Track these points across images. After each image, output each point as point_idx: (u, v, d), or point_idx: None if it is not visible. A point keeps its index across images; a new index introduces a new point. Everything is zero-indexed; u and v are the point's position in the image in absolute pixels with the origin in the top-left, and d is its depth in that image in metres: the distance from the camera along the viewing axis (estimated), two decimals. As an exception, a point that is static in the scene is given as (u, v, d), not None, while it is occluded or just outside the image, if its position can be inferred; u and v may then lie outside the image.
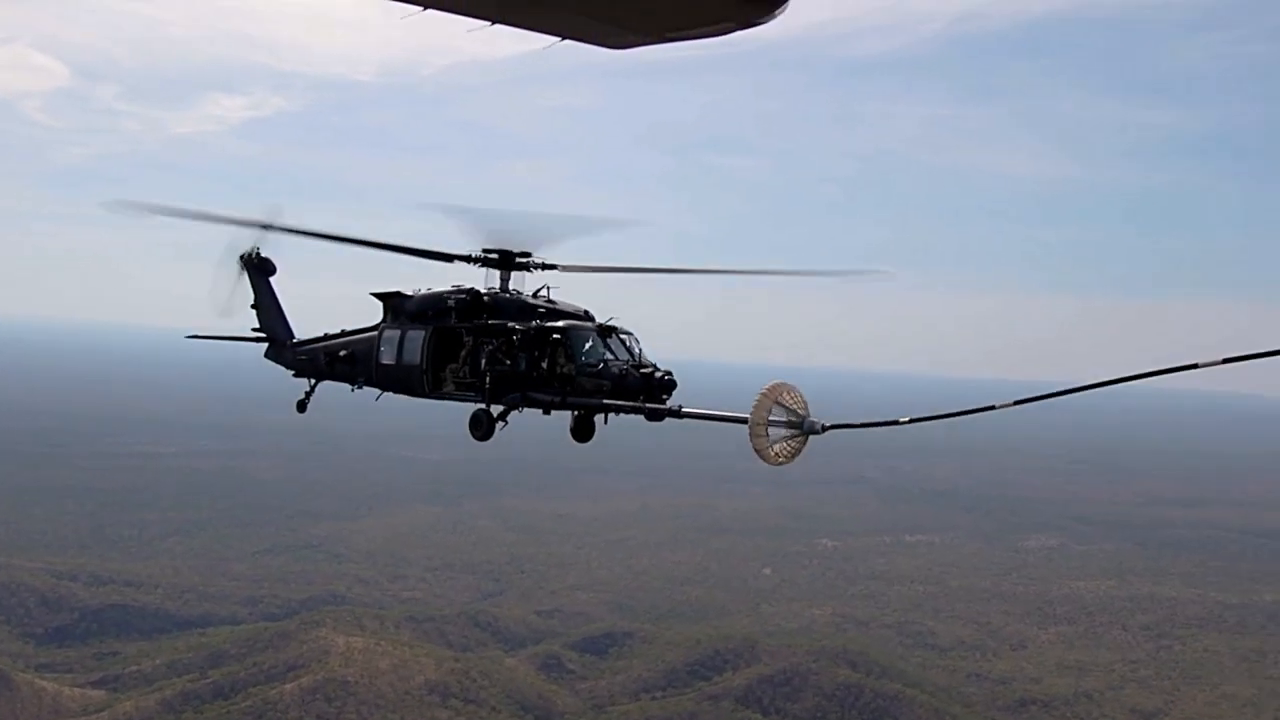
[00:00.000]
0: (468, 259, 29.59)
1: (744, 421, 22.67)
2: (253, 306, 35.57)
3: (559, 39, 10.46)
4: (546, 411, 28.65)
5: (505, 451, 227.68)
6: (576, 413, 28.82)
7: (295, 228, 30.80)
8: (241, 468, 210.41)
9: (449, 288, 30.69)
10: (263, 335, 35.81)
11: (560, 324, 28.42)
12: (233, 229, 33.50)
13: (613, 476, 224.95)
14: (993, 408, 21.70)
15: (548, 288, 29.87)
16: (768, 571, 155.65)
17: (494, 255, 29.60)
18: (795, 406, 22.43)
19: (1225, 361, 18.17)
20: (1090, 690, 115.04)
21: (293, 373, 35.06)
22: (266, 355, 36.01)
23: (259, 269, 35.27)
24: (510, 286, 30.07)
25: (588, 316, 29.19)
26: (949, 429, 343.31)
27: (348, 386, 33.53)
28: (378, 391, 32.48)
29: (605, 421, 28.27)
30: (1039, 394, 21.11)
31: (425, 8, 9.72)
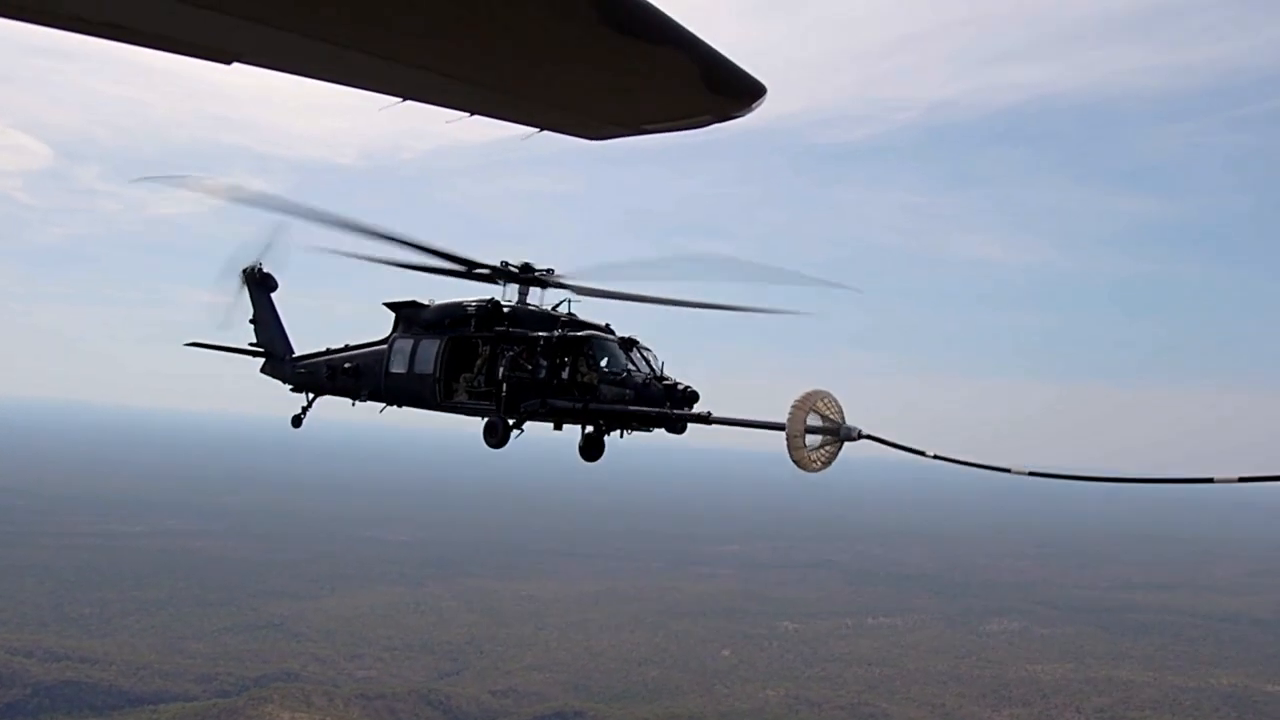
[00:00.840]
0: (489, 269, 29.73)
1: (780, 428, 22.97)
2: (251, 321, 36.10)
3: (537, 129, 10.60)
4: (558, 427, 29.56)
5: (471, 533, 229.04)
6: (587, 429, 29.66)
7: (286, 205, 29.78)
8: (206, 548, 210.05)
9: (467, 298, 31.13)
10: (260, 350, 36.17)
11: (584, 332, 28.96)
12: (239, 241, 34.92)
13: (577, 559, 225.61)
14: (1009, 470, 22.17)
15: (569, 302, 30.28)
16: (726, 653, 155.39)
17: (514, 269, 29.91)
18: (831, 414, 22.87)
19: (1241, 480, 18.40)
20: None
21: (290, 387, 35.43)
22: (263, 370, 36.32)
23: (260, 284, 35.94)
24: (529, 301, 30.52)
25: (608, 330, 29.58)
26: (921, 513, 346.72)
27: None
28: (378, 407, 32.84)
29: (622, 436, 28.97)
30: (1052, 471, 21.78)
31: (404, 99, 9.88)
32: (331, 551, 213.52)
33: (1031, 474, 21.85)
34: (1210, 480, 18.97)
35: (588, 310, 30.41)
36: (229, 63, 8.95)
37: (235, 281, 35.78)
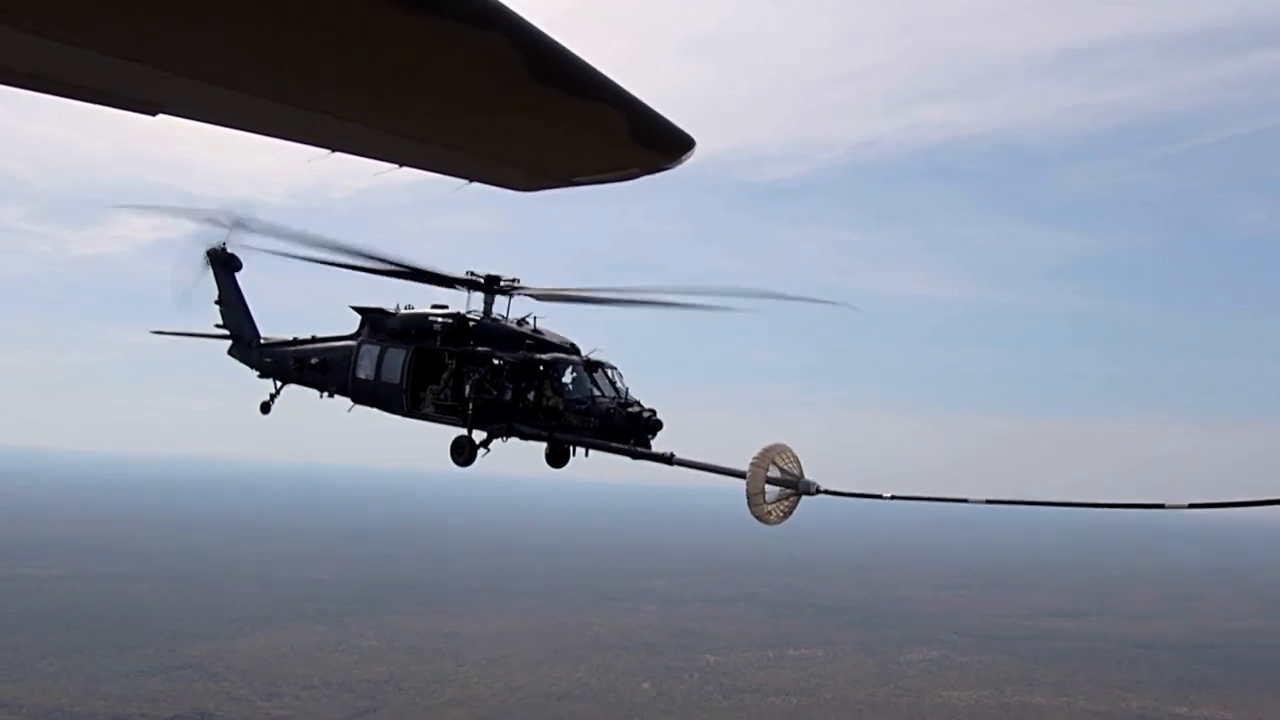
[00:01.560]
0: (452, 281, 29.95)
1: (741, 475, 23.84)
2: (217, 303, 35.91)
3: (466, 181, 10.67)
4: (524, 437, 29.55)
5: (394, 570, 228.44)
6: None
7: (278, 232, 29.99)
8: (124, 590, 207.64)
9: (432, 309, 31.31)
10: (226, 333, 35.98)
11: (547, 356, 29.15)
12: (203, 223, 34.06)
13: (501, 595, 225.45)
14: (966, 500, 23.36)
15: (534, 316, 30.47)
16: (646, 686, 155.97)
17: (479, 279, 30.03)
18: (789, 468, 23.68)
19: (1191, 506, 19.53)
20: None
21: (258, 373, 35.24)
22: (230, 353, 36.14)
23: (225, 265, 35.60)
24: (494, 312, 30.66)
25: (574, 349, 30.00)
26: (845, 545, 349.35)
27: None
28: (349, 403, 32.64)
29: (587, 454, 28.93)
30: (1008, 499, 22.79)
31: (333, 151, 9.88)
32: (252, 592, 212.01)
33: (989, 502, 23.01)
34: (1161, 506, 19.94)
35: (553, 313, 30.75)
36: (154, 114, 8.99)
37: (199, 262, 35.33)
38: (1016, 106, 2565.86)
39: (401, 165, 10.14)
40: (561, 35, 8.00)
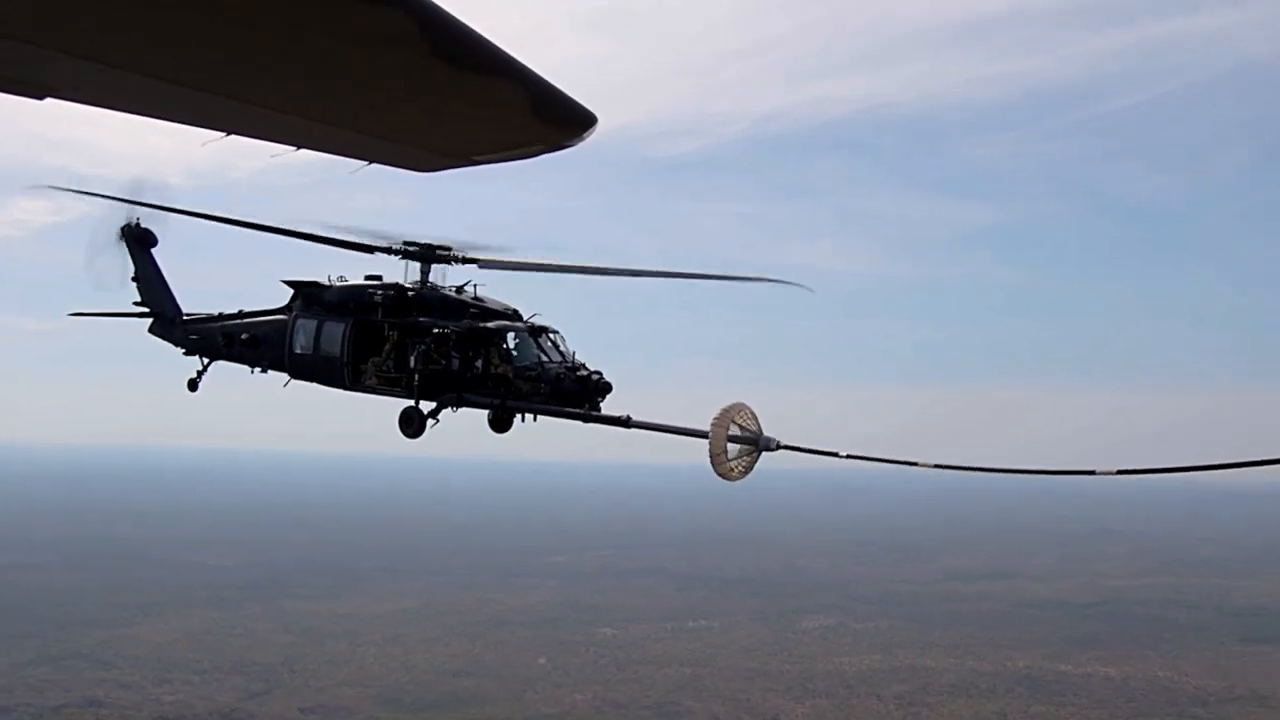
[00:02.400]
0: (388, 251, 29.18)
1: (702, 435, 23.92)
2: (134, 280, 34.82)
3: (366, 163, 10.54)
4: (474, 405, 29.03)
5: (296, 554, 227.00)
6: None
7: (198, 211, 29.48)
8: (16, 580, 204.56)
9: (369, 281, 30.65)
10: (146, 310, 34.97)
11: (493, 325, 28.78)
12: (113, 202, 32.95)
13: (401, 575, 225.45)
14: (915, 464, 23.63)
15: (474, 284, 29.93)
16: (542, 661, 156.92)
17: (414, 248, 29.34)
18: (749, 425, 23.89)
19: (1120, 473, 19.93)
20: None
21: (183, 351, 34.25)
22: (151, 330, 35.04)
23: (140, 241, 34.58)
24: (430, 281, 29.96)
25: (516, 315, 29.54)
26: (753, 517, 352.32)
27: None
28: (285, 377, 31.89)
29: (535, 419, 28.48)
30: (954, 464, 23.45)
31: (228, 134, 9.68)
32: (150, 578, 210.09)
33: (936, 466, 23.51)
34: (1092, 473, 20.40)
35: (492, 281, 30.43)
36: (41, 98, 8.71)
37: (111, 240, 34.56)
38: (920, 79, 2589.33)
39: (299, 147, 10.05)
40: (457, 9, 7.87)
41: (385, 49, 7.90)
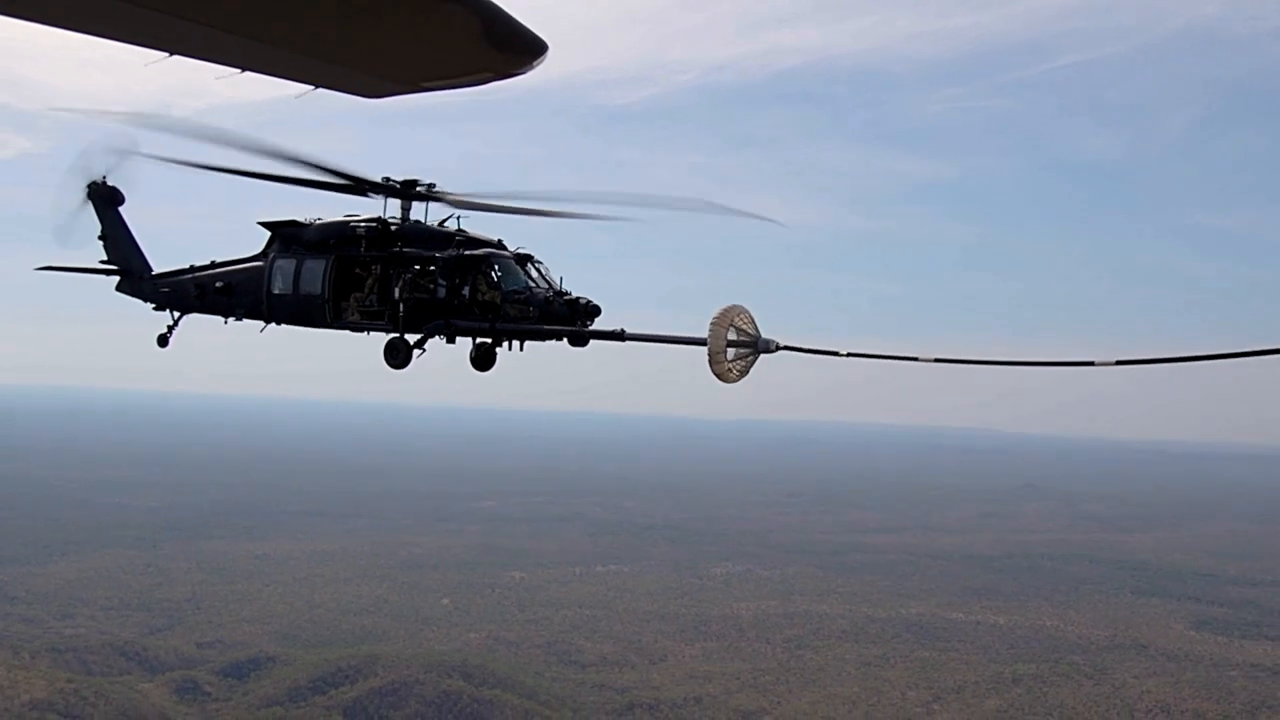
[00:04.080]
0: (369, 186, 28.84)
1: (700, 343, 23.70)
2: (101, 238, 34.31)
3: (312, 87, 10.37)
4: (451, 340, 28.97)
5: (222, 496, 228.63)
6: (478, 341, 29.20)
7: (160, 155, 28.33)
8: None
9: (349, 216, 30.16)
10: (114, 268, 34.57)
11: (480, 251, 28.57)
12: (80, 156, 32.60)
13: (326, 518, 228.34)
14: (916, 359, 23.35)
15: (458, 217, 29.58)
16: (446, 602, 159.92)
17: (395, 184, 29.09)
18: (747, 328, 23.73)
19: (1119, 363, 20.05)
20: (703, 695, 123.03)
21: (153, 306, 33.83)
22: (119, 289, 34.59)
23: (107, 199, 34.11)
24: (411, 217, 29.65)
25: (501, 246, 29.25)
26: (682, 466, 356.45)
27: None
28: (260, 324, 31.51)
29: (522, 348, 28.52)
30: (953, 357, 22.96)
31: (171, 54, 9.52)
32: (70, 518, 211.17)
33: (936, 360, 23.14)
34: (1091, 364, 20.39)
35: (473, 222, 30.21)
36: None
37: (78, 197, 33.80)
38: (868, 32, 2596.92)
39: (244, 69, 9.89)
40: None
41: None
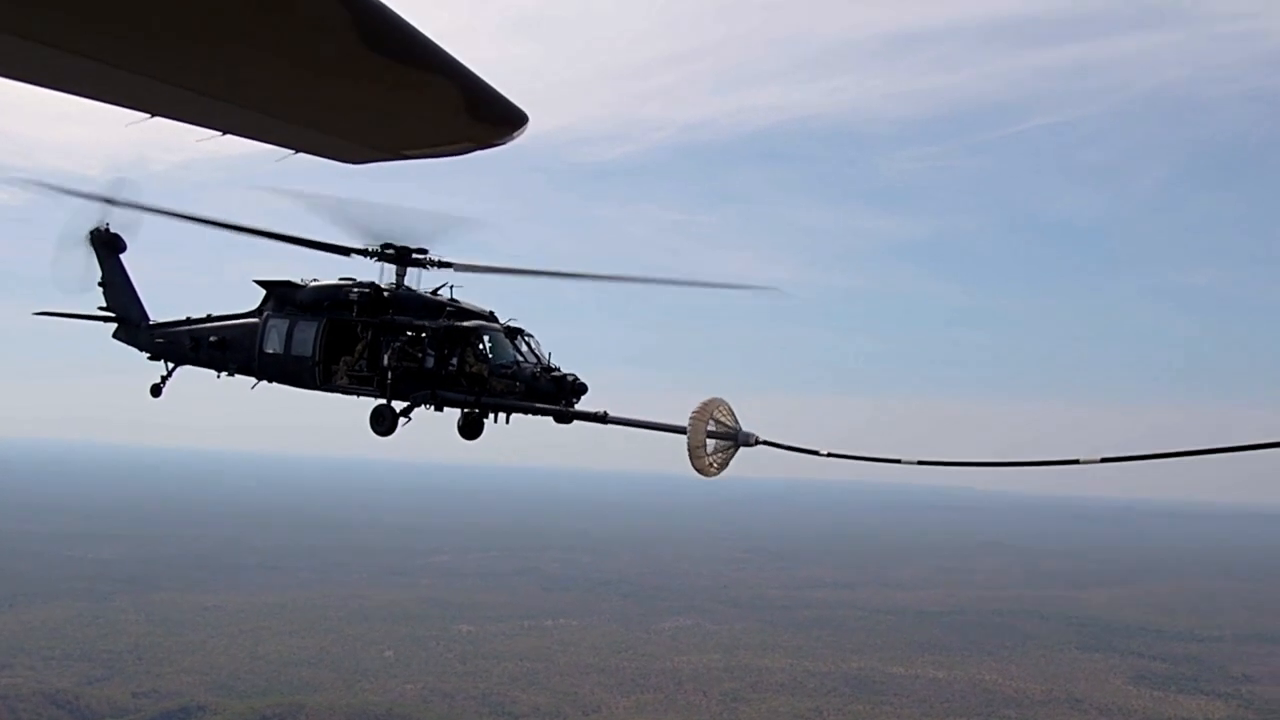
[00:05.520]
0: (364, 253, 29.03)
1: (680, 431, 23.68)
2: (100, 285, 34.43)
3: (292, 151, 10.37)
4: (439, 408, 28.85)
5: (182, 549, 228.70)
6: (466, 411, 29.18)
7: (162, 208, 29.27)
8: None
9: (343, 280, 30.32)
10: (111, 315, 34.59)
11: (470, 323, 28.68)
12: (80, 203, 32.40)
13: (278, 572, 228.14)
14: (899, 461, 23.07)
15: (450, 286, 29.72)
16: (388, 654, 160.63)
17: (390, 250, 29.17)
18: (727, 421, 23.78)
19: (1104, 460, 19.84)
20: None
21: (148, 355, 33.77)
22: (115, 336, 34.58)
23: (108, 245, 34.32)
24: (405, 283, 29.85)
25: (492, 317, 29.44)
26: (641, 521, 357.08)
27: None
28: (252, 380, 31.62)
29: (508, 421, 28.56)
30: (938, 460, 22.99)
31: (152, 115, 9.53)
32: (22, 570, 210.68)
33: (920, 463, 22.94)
34: (1076, 462, 20.18)
35: (464, 283, 30.49)
36: None
37: (80, 244, 34.16)
38: (842, 92, 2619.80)
39: (224, 133, 9.92)
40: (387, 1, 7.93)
41: (314, 35, 7.89)
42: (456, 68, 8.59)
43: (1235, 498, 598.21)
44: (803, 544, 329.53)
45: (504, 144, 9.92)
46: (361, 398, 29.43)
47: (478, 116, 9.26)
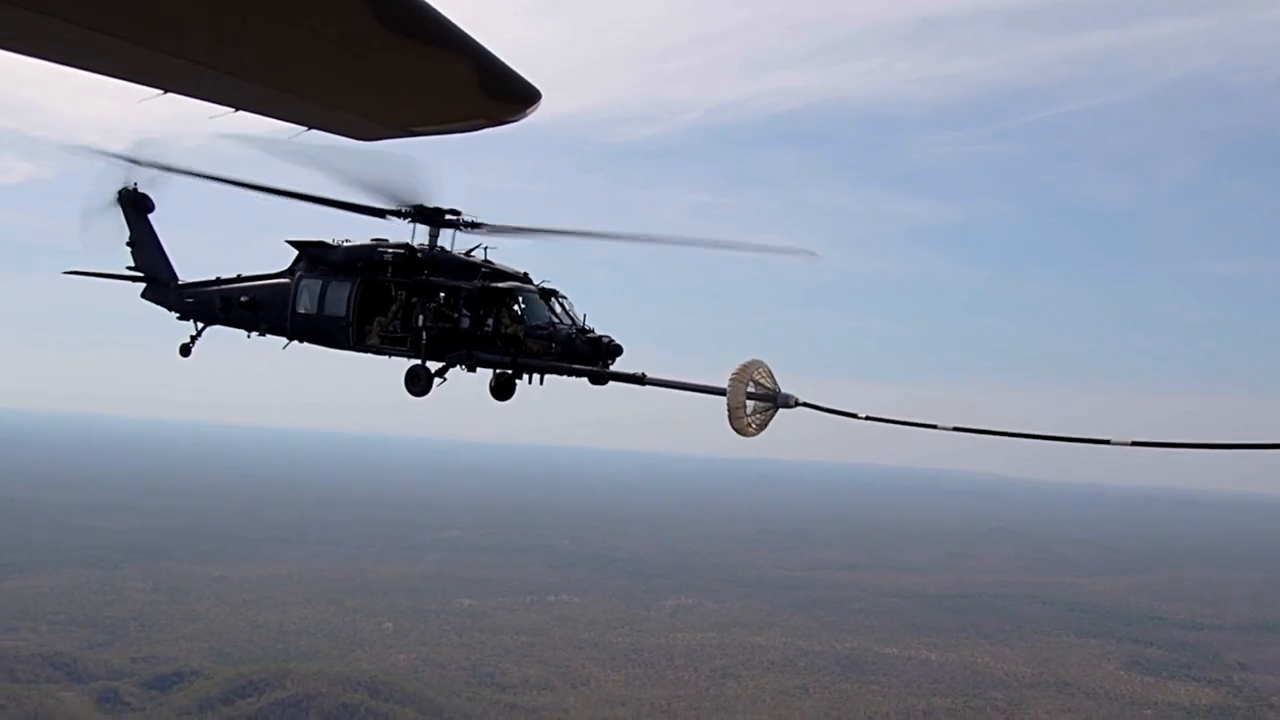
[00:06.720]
0: (397, 213, 28.81)
1: (720, 393, 23.62)
2: (128, 244, 34.41)
3: (304, 128, 10.36)
4: (471, 369, 28.83)
5: (195, 521, 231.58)
6: (498, 371, 29.22)
7: (194, 170, 29.15)
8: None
9: (377, 240, 30.31)
10: (140, 275, 34.72)
11: (506, 284, 28.72)
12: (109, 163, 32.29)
13: (290, 544, 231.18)
14: (936, 426, 23.13)
15: (484, 248, 29.65)
16: (387, 625, 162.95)
17: (423, 212, 28.98)
18: (767, 382, 23.74)
19: (1134, 444, 19.99)
20: (611, 719, 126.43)
21: (177, 315, 33.91)
22: (144, 296, 34.82)
23: (136, 205, 34.24)
24: (438, 245, 29.68)
25: (527, 279, 29.39)
26: (659, 502, 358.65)
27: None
28: (281, 344, 31.61)
29: (542, 382, 28.44)
30: (972, 427, 22.81)
31: (165, 91, 9.53)
32: (36, 538, 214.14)
33: (955, 429, 22.90)
34: (1108, 442, 20.31)
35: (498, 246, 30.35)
36: None
37: (109, 203, 34.13)
38: (870, 75, 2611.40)
39: (237, 109, 9.89)
40: None
41: (328, 12, 7.95)
42: (469, 44, 8.65)
43: (1253, 488, 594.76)
44: (815, 527, 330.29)
45: (517, 121, 9.97)
46: (394, 359, 29.44)
47: (490, 93, 9.30)
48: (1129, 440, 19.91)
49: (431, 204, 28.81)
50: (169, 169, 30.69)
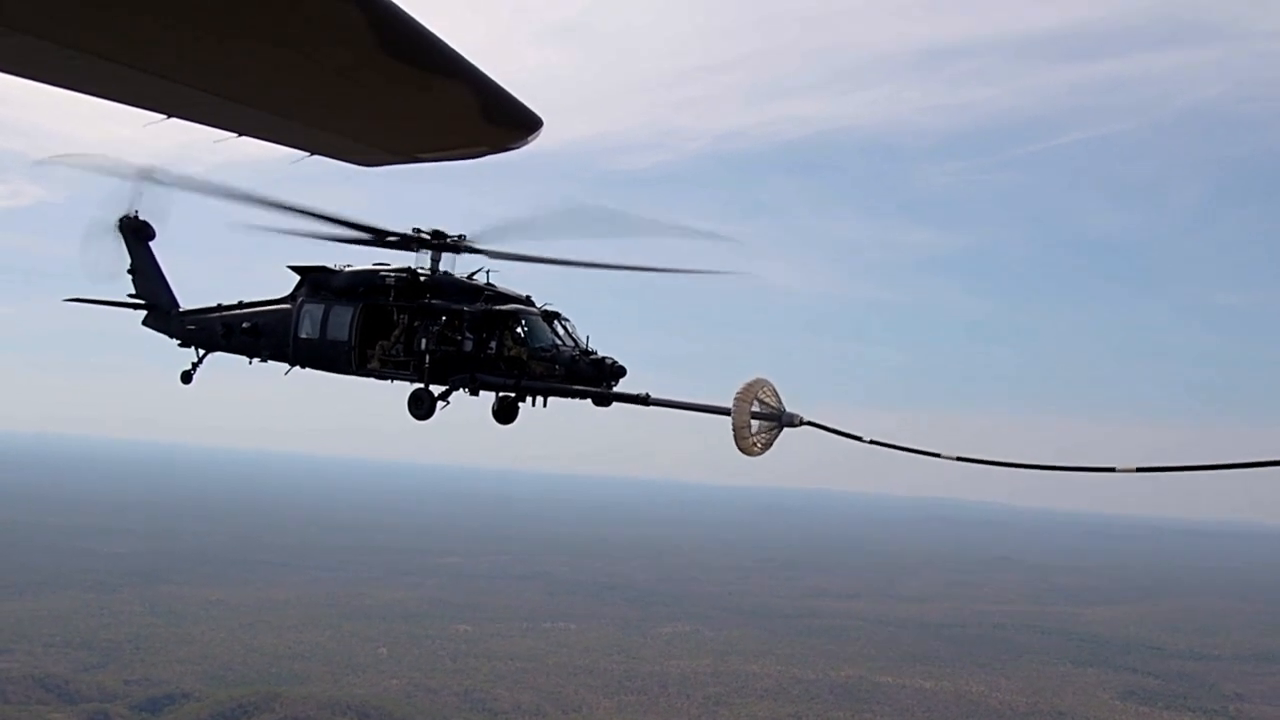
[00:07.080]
0: (399, 237, 28.99)
1: (724, 412, 23.60)
2: (130, 272, 34.57)
3: (307, 154, 10.52)
4: (474, 392, 28.83)
5: (196, 545, 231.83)
6: (501, 395, 29.34)
7: (195, 185, 28.09)
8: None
9: (378, 265, 30.51)
10: (141, 302, 34.80)
11: (508, 307, 28.77)
12: (111, 188, 32.49)
13: (289, 569, 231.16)
14: (939, 455, 23.02)
15: (486, 271, 29.85)
16: (382, 650, 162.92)
17: (427, 235, 29.25)
18: (771, 401, 23.73)
19: (1139, 470, 19.94)
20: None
21: (179, 342, 33.94)
22: (145, 323, 34.81)
23: (137, 233, 34.40)
24: (440, 269, 29.91)
25: (529, 302, 29.47)
26: (659, 529, 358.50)
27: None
28: (285, 366, 31.57)
29: (545, 405, 28.58)
30: (976, 457, 22.56)
31: (169, 116, 9.64)
32: (35, 561, 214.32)
33: (959, 459, 22.75)
34: (1112, 470, 20.28)
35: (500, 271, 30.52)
36: None
37: (110, 232, 34.32)
38: (877, 104, 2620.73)
39: (241, 134, 9.97)
40: (415, 10, 7.95)
41: (331, 40, 8.00)
42: (471, 72, 8.72)
43: (1254, 516, 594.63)
44: (815, 555, 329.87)
45: (519, 147, 10.10)
46: (396, 383, 29.53)
47: (492, 120, 9.43)
48: (1134, 466, 19.97)
49: (432, 229, 29.20)
50: (174, 185, 30.17)
